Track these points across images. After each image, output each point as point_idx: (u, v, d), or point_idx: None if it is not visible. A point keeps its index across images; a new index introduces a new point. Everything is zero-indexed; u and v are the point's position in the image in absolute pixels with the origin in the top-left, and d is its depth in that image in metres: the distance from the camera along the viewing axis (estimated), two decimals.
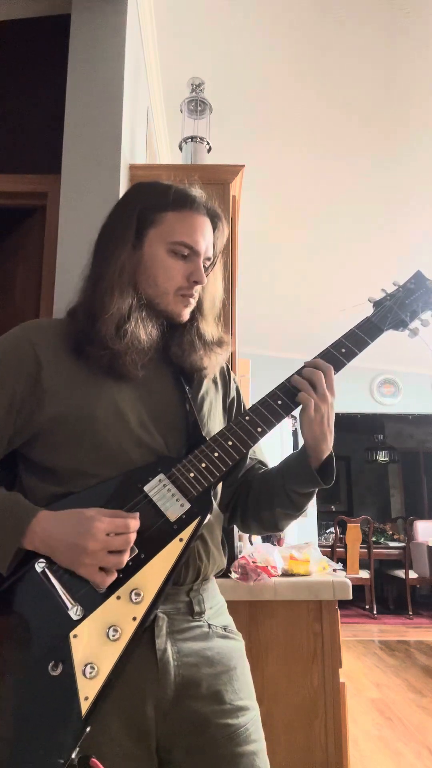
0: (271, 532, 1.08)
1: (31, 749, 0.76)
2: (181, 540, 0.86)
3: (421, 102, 2.70)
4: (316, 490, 1.00)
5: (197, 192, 1.00)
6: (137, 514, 0.84)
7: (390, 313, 1.02)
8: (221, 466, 0.90)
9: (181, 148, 2.16)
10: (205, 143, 2.13)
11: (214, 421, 1.03)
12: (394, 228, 3.84)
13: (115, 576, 0.81)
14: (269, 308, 5.21)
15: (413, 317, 1.04)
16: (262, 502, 1.04)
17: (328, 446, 0.96)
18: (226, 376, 1.13)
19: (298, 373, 0.97)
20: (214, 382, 1.09)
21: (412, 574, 6.40)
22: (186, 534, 0.86)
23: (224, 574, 1.53)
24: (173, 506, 0.87)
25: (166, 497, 0.87)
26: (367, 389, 6.55)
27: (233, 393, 1.13)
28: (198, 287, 0.99)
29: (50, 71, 2.23)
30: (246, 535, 1.97)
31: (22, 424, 0.90)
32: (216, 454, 0.90)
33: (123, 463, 0.88)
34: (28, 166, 2.20)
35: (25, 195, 2.20)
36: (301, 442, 0.99)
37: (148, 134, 2.52)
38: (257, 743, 0.91)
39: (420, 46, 2.39)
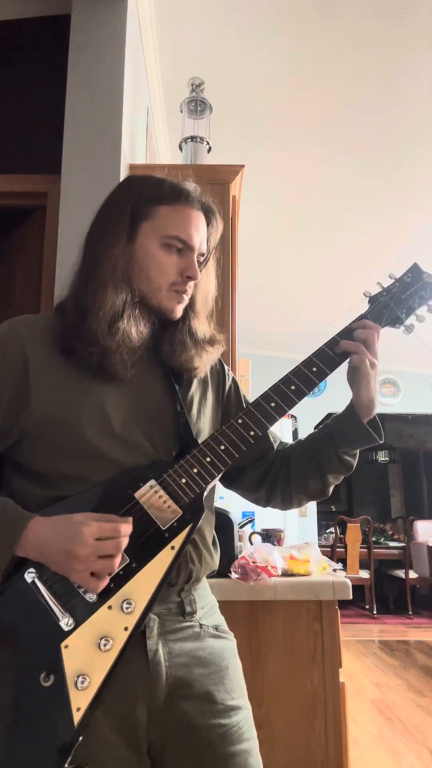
0: (317, 499, 1.08)
1: (23, 760, 0.76)
2: (172, 548, 0.85)
3: (421, 96, 2.70)
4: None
5: (191, 186, 0.98)
6: (130, 518, 0.82)
7: (386, 309, 1.00)
8: (213, 471, 0.88)
9: (181, 148, 2.16)
10: (205, 143, 2.13)
11: (204, 421, 1.02)
12: (396, 226, 3.85)
13: (107, 581, 0.80)
14: (269, 308, 5.21)
15: (409, 313, 1.01)
16: (308, 472, 1.03)
17: (377, 403, 0.98)
18: (219, 371, 1.11)
19: (344, 336, 0.96)
20: (206, 379, 1.06)
21: (412, 574, 6.40)
22: (178, 542, 0.85)
23: (224, 574, 1.53)
24: (164, 513, 0.85)
25: (157, 504, 0.86)
26: None
27: (229, 383, 1.11)
28: (191, 283, 0.97)
29: (50, 71, 2.23)
30: (246, 535, 1.97)
31: (9, 424, 0.88)
32: (208, 459, 0.89)
33: (110, 467, 0.87)
34: (28, 166, 2.21)
35: (25, 195, 2.20)
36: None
37: (148, 134, 2.52)
38: (250, 742, 0.90)
39: (420, 40, 2.39)
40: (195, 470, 0.88)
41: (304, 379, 0.95)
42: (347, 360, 0.97)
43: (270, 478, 1.08)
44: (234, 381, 1.13)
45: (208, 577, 1.00)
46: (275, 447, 1.10)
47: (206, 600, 0.98)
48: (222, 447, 0.90)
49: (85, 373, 0.89)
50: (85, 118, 1.99)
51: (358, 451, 1.03)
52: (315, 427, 6.52)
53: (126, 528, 0.81)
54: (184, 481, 0.87)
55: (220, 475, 0.90)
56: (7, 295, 2.32)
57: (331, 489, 1.06)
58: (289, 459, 1.06)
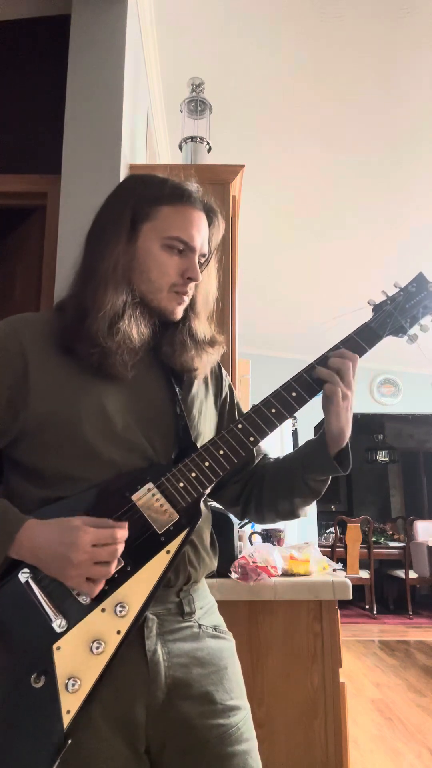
0: (287, 519, 1.07)
1: (11, 762, 0.76)
2: (168, 552, 0.84)
3: (421, 96, 2.70)
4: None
5: (193, 186, 0.97)
6: (125, 523, 0.82)
7: (390, 318, 0.99)
8: (211, 476, 0.88)
9: (181, 148, 2.16)
10: (205, 143, 2.13)
11: (205, 423, 1.01)
12: (396, 226, 3.85)
13: (102, 586, 0.80)
14: (269, 308, 5.21)
15: (413, 323, 1.00)
16: (279, 493, 1.03)
17: (348, 433, 0.96)
18: (217, 375, 1.11)
19: (321, 364, 0.95)
20: (205, 381, 1.06)
21: (412, 574, 6.39)
22: (173, 546, 0.85)
23: (224, 574, 1.52)
24: (161, 517, 0.85)
25: (154, 507, 0.85)
26: (367, 389, 6.55)
27: (226, 389, 1.11)
28: (192, 284, 0.97)
29: (50, 71, 2.23)
30: (246, 535, 1.97)
31: (8, 423, 0.87)
32: (207, 464, 0.88)
33: (108, 468, 0.86)
34: (28, 166, 2.21)
35: (25, 195, 2.20)
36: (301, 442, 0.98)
37: (148, 134, 2.52)
38: (249, 742, 0.90)
39: (420, 40, 2.39)
40: (193, 474, 0.87)
41: (305, 385, 0.95)
42: None
43: (245, 496, 1.08)
44: (230, 388, 1.13)
45: (208, 577, 1.00)
46: (256, 461, 1.10)
47: (205, 600, 0.98)
48: (221, 452, 0.89)
49: (85, 372, 0.89)
50: (85, 118, 1.99)
51: (328, 477, 1.00)
52: (314, 428, 6.54)
53: (122, 534, 0.81)
54: (182, 485, 0.87)
55: (219, 479, 0.90)
56: (7, 295, 2.32)
57: (302, 511, 1.05)
58: (263, 478, 1.06)
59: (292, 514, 1.05)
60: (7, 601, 0.81)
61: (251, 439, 0.91)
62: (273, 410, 0.93)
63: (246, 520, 2.21)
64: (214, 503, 1.13)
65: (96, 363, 0.88)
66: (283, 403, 0.93)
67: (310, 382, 0.95)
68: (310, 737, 1.47)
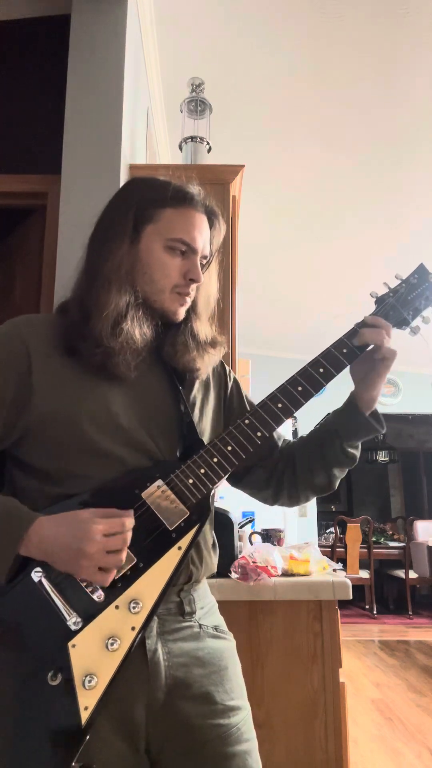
0: (325, 493, 1.09)
1: (30, 760, 0.76)
2: (179, 548, 0.85)
3: (421, 96, 2.70)
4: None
5: (195, 189, 0.98)
6: (131, 511, 0.83)
7: (392, 310, 0.99)
8: (220, 471, 0.89)
9: (181, 148, 2.16)
10: (205, 143, 2.13)
11: (206, 422, 1.02)
12: (396, 226, 3.85)
13: (114, 573, 0.81)
14: (269, 308, 5.21)
15: (415, 315, 1.00)
16: (315, 468, 1.04)
17: (378, 399, 1.00)
18: (220, 372, 1.12)
19: (325, 359, 0.96)
20: (207, 380, 1.07)
21: (412, 574, 6.40)
22: (185, 542, 0.85)
23: (224, 574, 1.53)
24: (172, 514, 0.86)
25: (165, 504, 0.86)
26: None
27: (230, 384, 1.12)
28: (194, 285, 0.98)
29: (50, 71, 2.23)
30: (246, 535, 1.97)
31: (11, 423, 0.88)
32: (215, 460, 0.89)
33: (114, 465, 0.87)
34: (28, 166, 2.21)
35: (25, 195, 2.20)
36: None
37: (148, 134, 2.52)
38: (249, 742, 0.91)
39: (420, 40, 2.39)
40: (202, 471, 0.88)
41: (310, 379, 0.95)
42: (355, 358, 0.97)
43: (276, 478, 1.08)
44: (235, 381, 1.14)
45: (208, 577, 1.00)
46: (279, 445, 1.11)
47: (206, 600, 0.98)
48: (229, 448, 0.90)
49: (88, 372, 0.90)
50: (85, 118, 1.99)
51: (360, 443, 1.04)
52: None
53: (130, 522, 0.82)
54: (191, 481, 0.87)
55: (227, 475, 0.90)
56: (7, 295, 2.32)
57: (338, 483, 1.07)
58: (293, 457, 1.07)
59: (330, 486, 1.06)
60: (21, 600, 0.81)
61: (258, 434, 0.92)
62: (279, 405, 0.93)
63: (248, 520, 2.21)
64: (216, 504, 1.14)
65: (99, 363, 0.89)
66: (289, 398, 0.94)
67: (315, 376, 0.95)
68: (310, 737, 1.47)
